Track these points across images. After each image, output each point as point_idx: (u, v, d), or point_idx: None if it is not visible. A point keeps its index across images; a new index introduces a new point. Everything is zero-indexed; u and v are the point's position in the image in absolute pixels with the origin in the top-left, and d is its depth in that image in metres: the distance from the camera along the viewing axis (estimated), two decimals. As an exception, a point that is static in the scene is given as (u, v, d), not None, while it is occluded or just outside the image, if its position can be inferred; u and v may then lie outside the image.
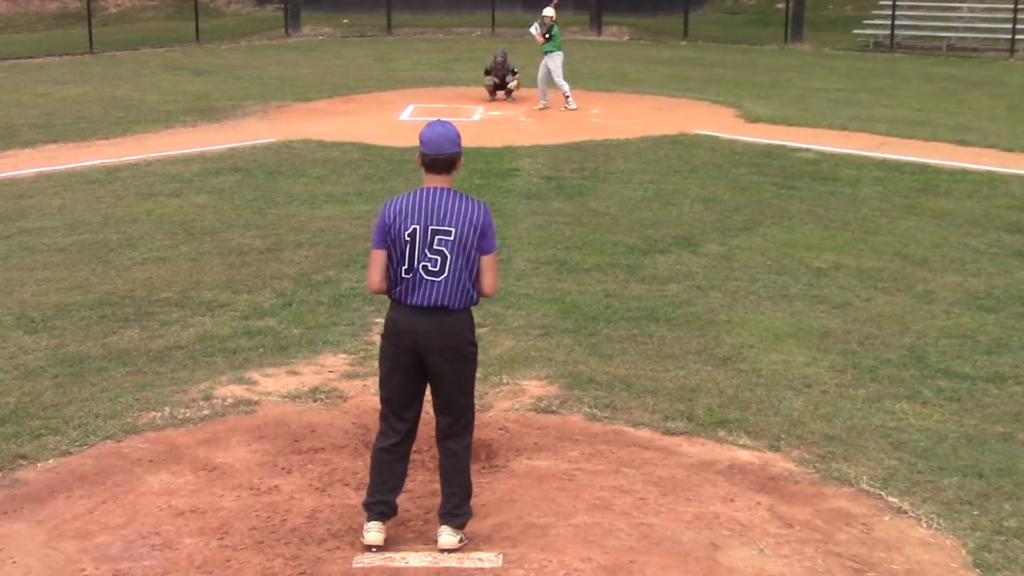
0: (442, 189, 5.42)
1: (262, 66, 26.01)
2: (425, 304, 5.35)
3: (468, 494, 5.73)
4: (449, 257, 5.32)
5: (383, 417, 5.65)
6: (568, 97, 19.51)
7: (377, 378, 5.71)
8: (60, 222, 12.01)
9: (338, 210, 12.45)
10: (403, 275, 5.35)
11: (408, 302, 5.38)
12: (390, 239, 5.37)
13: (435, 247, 5.32)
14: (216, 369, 8.02)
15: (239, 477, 6.40)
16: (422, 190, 5.43)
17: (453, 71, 24.70)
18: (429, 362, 5.43)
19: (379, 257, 5.42)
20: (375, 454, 5.66)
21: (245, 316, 9.10)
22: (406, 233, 5.32)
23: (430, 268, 5.33)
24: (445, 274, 5.34)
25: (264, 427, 7.06)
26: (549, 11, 19.70)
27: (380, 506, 5.63)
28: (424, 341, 5.38)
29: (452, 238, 5.32)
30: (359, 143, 15.92)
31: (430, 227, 5.32)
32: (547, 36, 19.51)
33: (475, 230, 5.37)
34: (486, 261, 5.45)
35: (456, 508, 5.68)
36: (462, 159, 5.53)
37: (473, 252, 5.38)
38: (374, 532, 5.60)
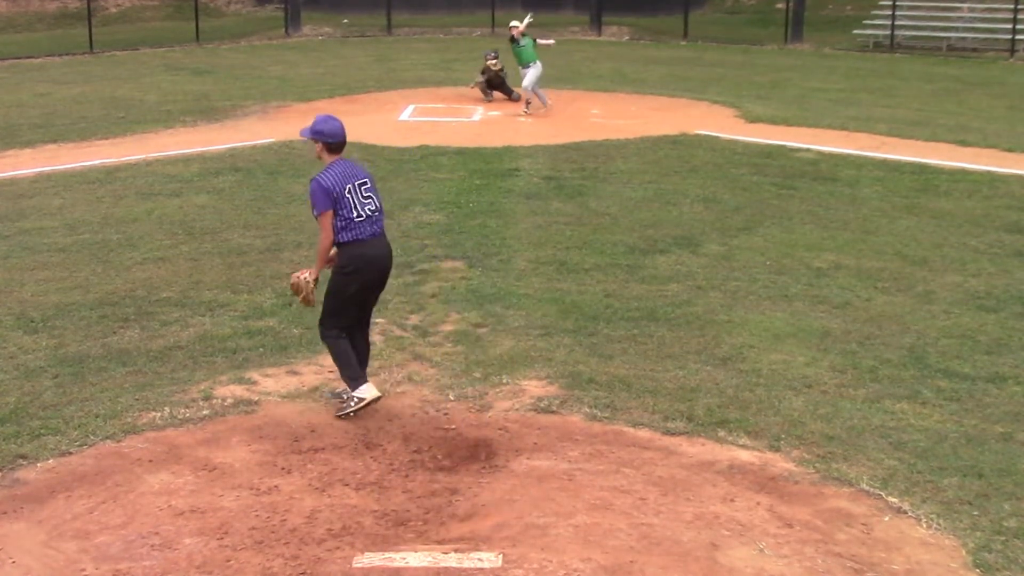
0: (345, 159, 7.26)
1: (262, 66, 26.00)
2: (380, 233, 7.28)
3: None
4: (375, 197, 7.26)
5: (341, 326, 7.27)
6: (529, 103, 19.25)
7: None
8: (60, 222, 12.01)
9: (338, 210, 12.43)
10: (356, 220, 7.10)
11: (368, 236, 7.16)
12: (333, 201, 7.04)
13: (364, 194, 7.17)
14: (216, 369, 8.02)
15: (239, 477, 6.40)
16: (339, 162, 7.19)
17: (453, 71, 24.68)
18: (385, 274, 7.37)
19: (329, 216, 7.08)
20: (345, 346, 7.27)
21: (245, 316, 9.11)
22: (346, 192, 7.09)
23: (371, 208, 7.19)
24: (379, 208, 7.28)
25: (264, 427, 7.06)
26: (517, 23, 19.50)
27: (364, 375, 7.30)
28: (388, 260, 7.38)
29: (369, 185, 7.25)
30: (359, 143, 15.90)
31: (355, 183, 7.16)
32: (517, 43, 19.30)
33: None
34: None
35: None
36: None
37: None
38: (373, 388, 7.25)
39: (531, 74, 19.14)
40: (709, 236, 11.45)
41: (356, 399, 7.18)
